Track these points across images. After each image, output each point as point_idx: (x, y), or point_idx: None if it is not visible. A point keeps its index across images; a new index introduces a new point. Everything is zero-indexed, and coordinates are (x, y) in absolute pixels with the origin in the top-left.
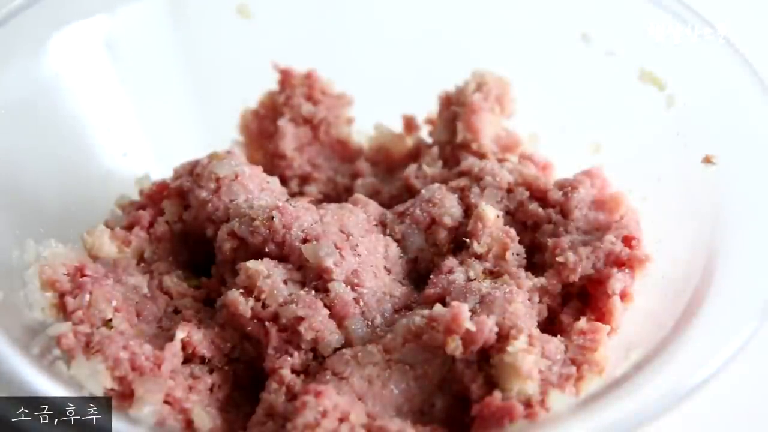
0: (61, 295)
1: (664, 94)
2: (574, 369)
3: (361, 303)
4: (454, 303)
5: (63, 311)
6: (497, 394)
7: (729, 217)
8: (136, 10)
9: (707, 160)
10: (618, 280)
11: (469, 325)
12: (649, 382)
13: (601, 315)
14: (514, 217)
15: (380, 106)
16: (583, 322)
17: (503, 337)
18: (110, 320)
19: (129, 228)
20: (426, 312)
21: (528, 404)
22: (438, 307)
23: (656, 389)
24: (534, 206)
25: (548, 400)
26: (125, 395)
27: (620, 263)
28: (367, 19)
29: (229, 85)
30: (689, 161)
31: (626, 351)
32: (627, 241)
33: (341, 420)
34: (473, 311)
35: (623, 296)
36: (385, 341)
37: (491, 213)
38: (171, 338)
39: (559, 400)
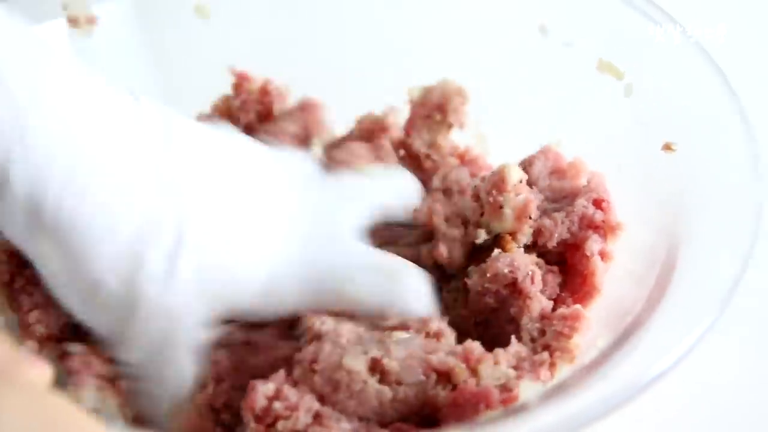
0: None
1: (623, 84)
2: (547, 355)
3: None
4: None
5: None
6: (471, 381)
7: (690, 205)
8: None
9: (667, 147)
10: (595, 241)
11: None
12: (616, 368)
13: (584, 279)
14: None
15: (350, 112)
16: (564, 309)
17: None
18: None
19: None
20: None
21: (504, 389)
22: None
23: (623, 375)
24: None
25: (519, 387)
26: None
27: (595, 226)
28: (333, 22)
29: (194, 89)
30: (649, 150)
31: (594, 339)
32: (597, 203)
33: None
34: None
35: (602, 256)
36: None
37: (516, 174)
38: None
39: (529, 388)
